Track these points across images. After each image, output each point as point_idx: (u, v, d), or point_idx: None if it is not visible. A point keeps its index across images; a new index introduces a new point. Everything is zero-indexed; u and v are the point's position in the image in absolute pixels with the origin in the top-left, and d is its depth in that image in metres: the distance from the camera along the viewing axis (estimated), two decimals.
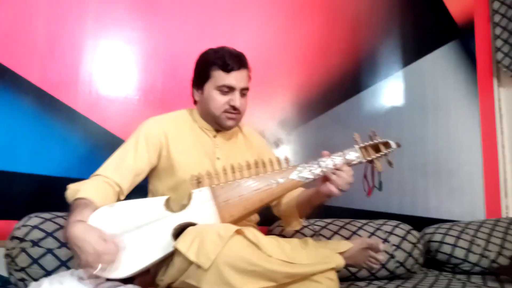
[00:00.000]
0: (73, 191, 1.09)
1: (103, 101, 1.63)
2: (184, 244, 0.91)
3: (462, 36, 2.29)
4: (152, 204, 1.10)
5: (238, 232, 0.94)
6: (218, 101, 1.26)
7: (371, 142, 1.24)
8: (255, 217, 1.34)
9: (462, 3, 2.32)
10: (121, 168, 1.19)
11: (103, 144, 1.59)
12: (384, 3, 2.16)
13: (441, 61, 2.25)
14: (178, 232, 0.97)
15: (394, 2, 2.18)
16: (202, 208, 1.08)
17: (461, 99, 2.29)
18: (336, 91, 2.00)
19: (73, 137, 1.57)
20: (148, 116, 1.33)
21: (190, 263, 0.90)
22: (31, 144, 1.50)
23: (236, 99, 1.25)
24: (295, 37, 1.98)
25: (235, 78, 1.25)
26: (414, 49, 2.19)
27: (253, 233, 0.96)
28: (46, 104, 1.54)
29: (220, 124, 1.29)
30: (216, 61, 1.26)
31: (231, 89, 1.26)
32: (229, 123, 1.28)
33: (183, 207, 1.09)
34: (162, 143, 1.26)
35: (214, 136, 1.32)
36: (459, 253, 1.73)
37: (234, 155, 1.30)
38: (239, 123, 1.36)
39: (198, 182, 1.11)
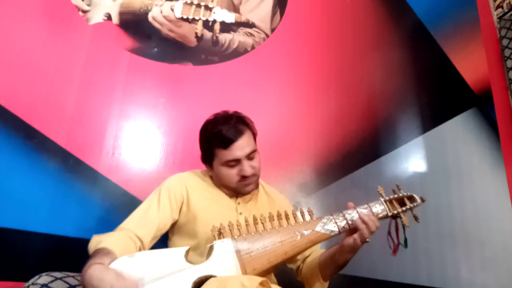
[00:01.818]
0: (96, 242, 1.09)
1: (124, 163, 1.67)
2: None
3: (480, 103, 2.30)
4: (172, 255, 1.06)
5: (262, 284, 0.88)
6: (230, 175, 1.25)
7: (396, 196, 1.22)
8: (273, 280, 1.27)
9: (477, 72, 2.36)
10: (144, 222, 1.20)
11: (121, 205, 1.60)
12: (398, 73, 2.22)
13: (461, 128, 2.24)
14: (198, 286, 0.92)
15: (408, 72, 2.24)
16: (223, 260, 1.04)
17: (486, 165, 2.23)
18: (355, 156, 1.99)
19: (92, 197, 1.59)
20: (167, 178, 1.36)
21: None
22: (51, 203, 1.53)
23: (244, 168, 1.23)
24: (312, 105, 2.03)
25: (236, 150, 1.23)
26: (432, 116, 2.20)
27: None
28: (70, 165, 1.60)
29: (240, 192, 1.30)
30: (215, 139, 1.25)
31: (237, 161, 1.24)
32: (248, 189, 1.29)
33: (204, 259, 1.06)
34: (184, 198, 1.27)
35: (235, 196, 1.33)
36: None
37: (256, 211, 1.29)
38: (260, 182, 1.37)
39: (219, 233, 1.09)
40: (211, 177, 1.37)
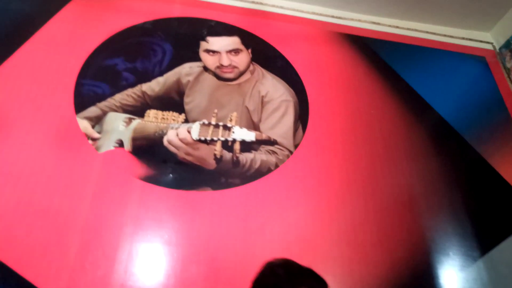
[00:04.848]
0: None
1: None
2: None
3: None
4: None
5: None
6: None
7: None
8: None
9: None
10: None
11: None
12: (440, 184, 1.98)
13: None
14: None
15: (451, 182, 2.00)
16: None
17: None
18: None
19: None
20: None
21: None
22: None
23: None
24: (349, 227, 1.77)
25: None
26: (488, 234, 1.89)
27: None
28: None
29: None
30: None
31: None
32: None
33: None
34: None
35: None
36: None
37: None
38: None
39: None
40: None
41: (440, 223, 1.87)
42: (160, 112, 1.88)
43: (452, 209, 1.92)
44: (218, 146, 1.82)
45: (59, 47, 1.98)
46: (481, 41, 2.73)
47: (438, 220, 1.88)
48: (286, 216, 1.73)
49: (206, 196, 1.69)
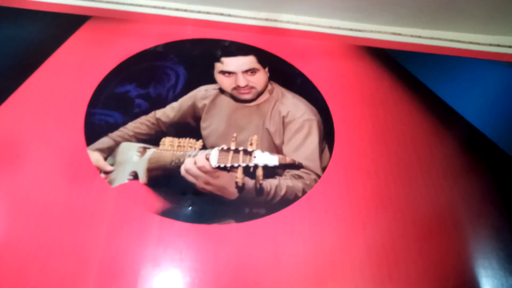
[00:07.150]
0: None
1: None
2: None
3: None
4: None
5: None
6: None
7: None
8: None
9: None
10: None
11: None
12: (485, 203, 1.81)
13: None
14: None
15: (496, 199, 1.83)
16: None
17: None
18: None
19: None
20: None
21: None
22: None
23: None
24: (391, 257, 1.59)
25: None
26: None
27: None
28: None
29: None
30: None
31: None
32: None
33: None
34: None
35: None
36: None
37: None
38: None
39: None
40: None
41: (490, 247, 1.68)
42: (176, 140, 1.76)
43: (501, 230, 1.74)
44: (239, 173, 1.68)
45: (69, 76, 1.89)
46: (509, 47, 2.57)
47: (487, 244, 1.69)
48: (319, 248, 1.57)
49: (229, 230, 1.55)
